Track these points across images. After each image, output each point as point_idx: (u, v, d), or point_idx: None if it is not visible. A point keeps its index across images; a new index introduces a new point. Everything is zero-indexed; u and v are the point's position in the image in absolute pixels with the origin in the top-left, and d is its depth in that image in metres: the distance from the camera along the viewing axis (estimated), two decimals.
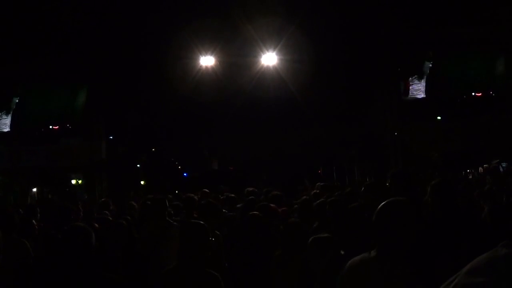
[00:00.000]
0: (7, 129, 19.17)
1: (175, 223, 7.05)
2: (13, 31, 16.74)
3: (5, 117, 19.09)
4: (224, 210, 8.31)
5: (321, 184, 10.71)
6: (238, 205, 9.53)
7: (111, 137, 21.17)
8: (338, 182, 15.74)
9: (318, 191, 9.95)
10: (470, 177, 16.37)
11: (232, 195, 10.86)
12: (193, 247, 4.39)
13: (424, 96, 18.31)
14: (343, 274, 3.47)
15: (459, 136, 17.50)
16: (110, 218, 7.72)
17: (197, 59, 17.46)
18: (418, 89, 18.37)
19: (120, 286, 4.34)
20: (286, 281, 5.33)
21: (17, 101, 19.28)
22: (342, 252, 5.05)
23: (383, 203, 3.38)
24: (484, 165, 19.38)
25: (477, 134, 17.29)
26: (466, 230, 4.90)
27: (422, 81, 18.27)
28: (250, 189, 10.86)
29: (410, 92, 18.35)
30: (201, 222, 4.64)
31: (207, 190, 12.03)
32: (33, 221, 6.73)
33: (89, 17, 16.54)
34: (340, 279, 3.48)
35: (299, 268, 5.09)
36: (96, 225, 6.96)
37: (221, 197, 11.25)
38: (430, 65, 18.48)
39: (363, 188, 5.53)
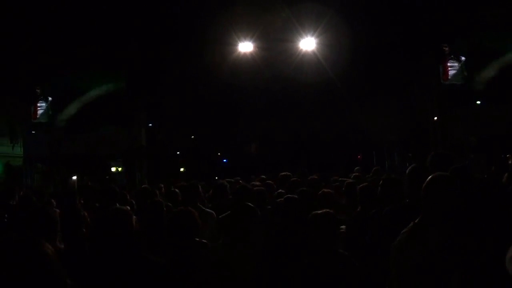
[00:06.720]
0: (46, 118, 19.37)
1: (207, 209, 7.25)
2: (51, 19, 16.90)
3: (45, 106, 19.28)
4: None
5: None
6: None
7: (150, 124, 21.27)
8: (378, 167, 15.54)
9: (357, 174, 9.84)
10: (510, 162, 16.00)
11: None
12: (325, 235, 4.66)
13: (463, 80, 17.93)
14: (396, 243, 3.86)
15: (498, 121, 17.09)
16: (160, 200, 7.67)
17: (235, 45, 17.40)
18: (457, 73, 17.98)
19: (163, 269, 4.32)
20: None
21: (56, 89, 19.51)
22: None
23: (431, 176, 3.78)
24: None
25: None
26: None
27: (460, 65, 17.86)
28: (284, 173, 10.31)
29: (449, 76, 17.95)
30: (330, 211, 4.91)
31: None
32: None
33: (129, 3, 16.59)
34: (394, 247, 3.86)
35: None
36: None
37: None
38: (468, 49, 18.08)
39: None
